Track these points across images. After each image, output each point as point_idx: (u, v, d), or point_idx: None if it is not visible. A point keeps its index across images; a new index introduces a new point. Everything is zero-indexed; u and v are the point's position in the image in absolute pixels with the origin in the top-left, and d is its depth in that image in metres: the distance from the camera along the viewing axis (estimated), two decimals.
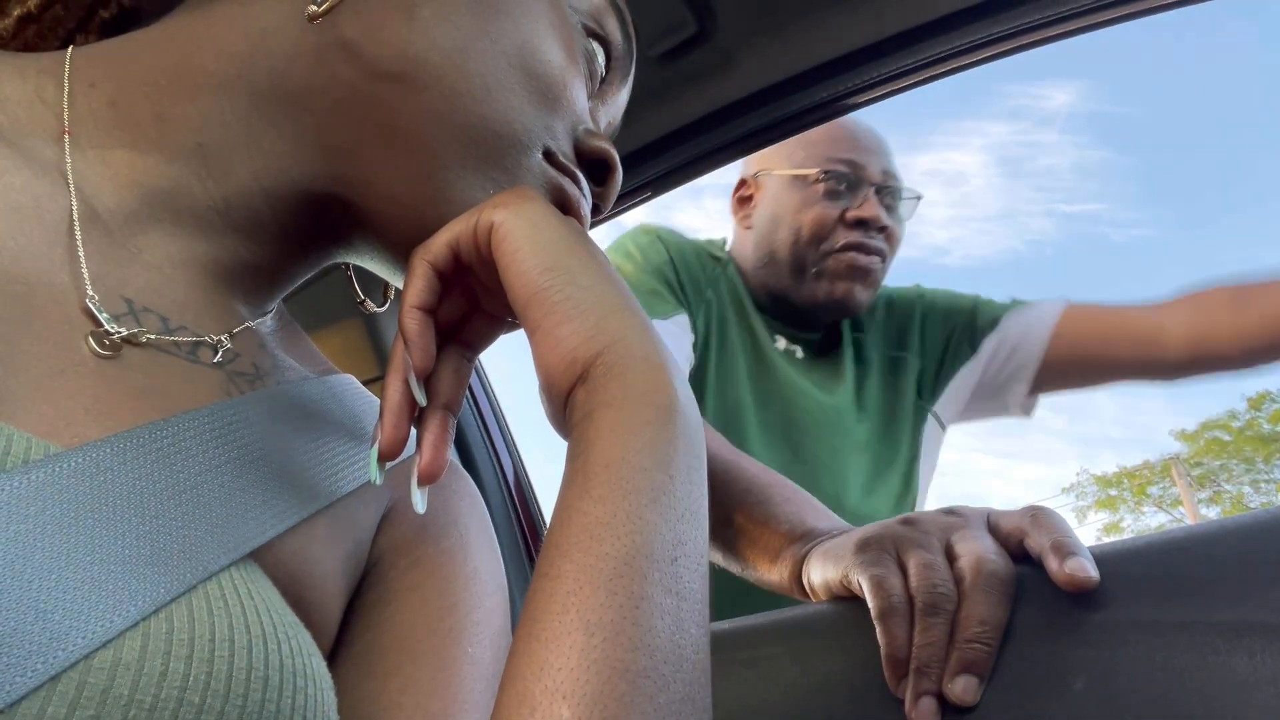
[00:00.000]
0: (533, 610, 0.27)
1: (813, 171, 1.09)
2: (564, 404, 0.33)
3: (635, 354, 0.32)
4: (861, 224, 1.06)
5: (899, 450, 1.11)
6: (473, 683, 0.35)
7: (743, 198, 1.20)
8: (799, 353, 1.13)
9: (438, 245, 0.35)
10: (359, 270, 0.47)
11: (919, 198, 1.13)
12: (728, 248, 1.18)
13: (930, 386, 1.15)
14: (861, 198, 1.07)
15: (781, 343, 1.11)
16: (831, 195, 1.08)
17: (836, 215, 1.07)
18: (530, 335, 0.33)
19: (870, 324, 1.18)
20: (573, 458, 0.31)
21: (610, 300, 0.33)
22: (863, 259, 1.06)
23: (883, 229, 1.07)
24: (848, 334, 1.17)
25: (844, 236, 1.07)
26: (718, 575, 0.69)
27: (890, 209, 1.09)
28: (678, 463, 0.30)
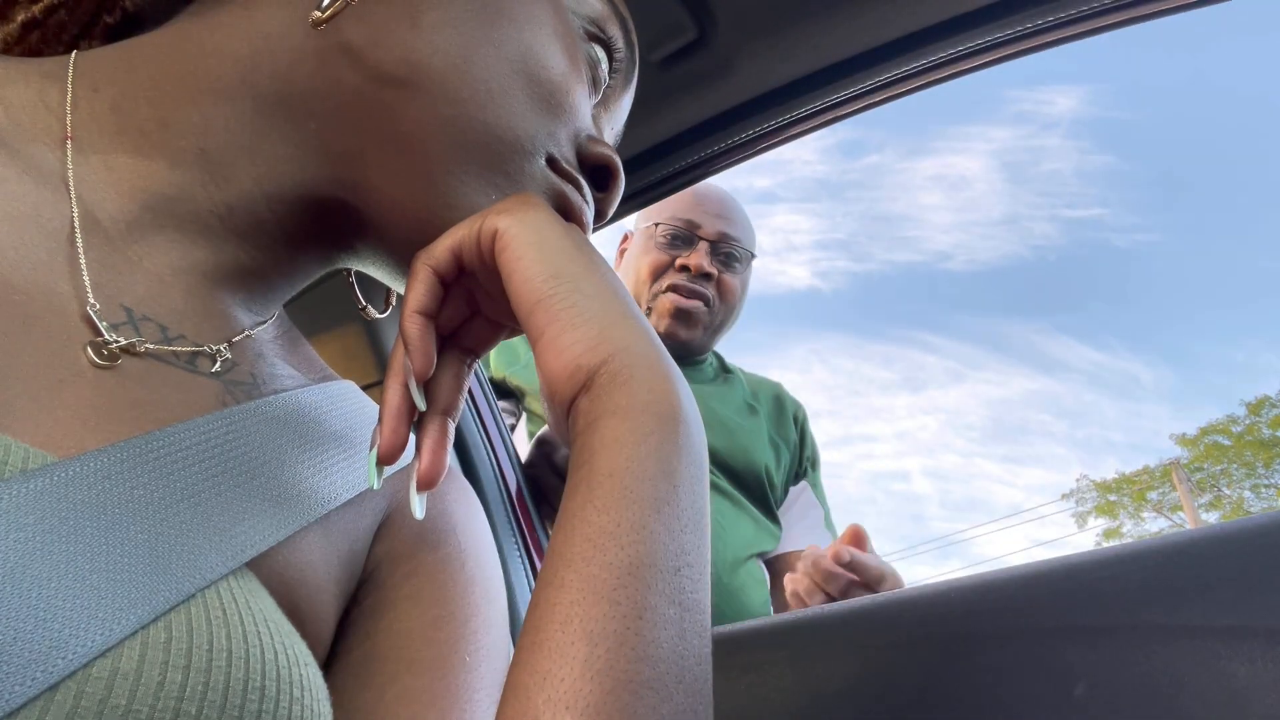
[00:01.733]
0: (535, 620, 0.27)
1: (654, 223, 1.29)
2: (568, 412, 0.33)
3: (640, 362, 0.32)
4: (685, 270, 1.25)
5: None
6: (470, 692, 0.35)
7: (620, 251, 1.41)
8: None
9: (440, 250, 0.35)
10: (360, 276, 0.47)
11: (752, 255, 1.35)
12: None
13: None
14: (692, 250, 1.27)
15: None
16: (668, 245, 1.28)
17: (668, 261, 1.27)
18: (534, 343, 0.33)
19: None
20: (576, 466, 0.31)
21: (614, 308, 0.33)
22: (683, 301, 1.24)
23: (707, 276, 1.26)
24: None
25: (670, 279, 1.26)
26: None
27: (725, 265, 1.29)
28: (681, 472, 0.30)
